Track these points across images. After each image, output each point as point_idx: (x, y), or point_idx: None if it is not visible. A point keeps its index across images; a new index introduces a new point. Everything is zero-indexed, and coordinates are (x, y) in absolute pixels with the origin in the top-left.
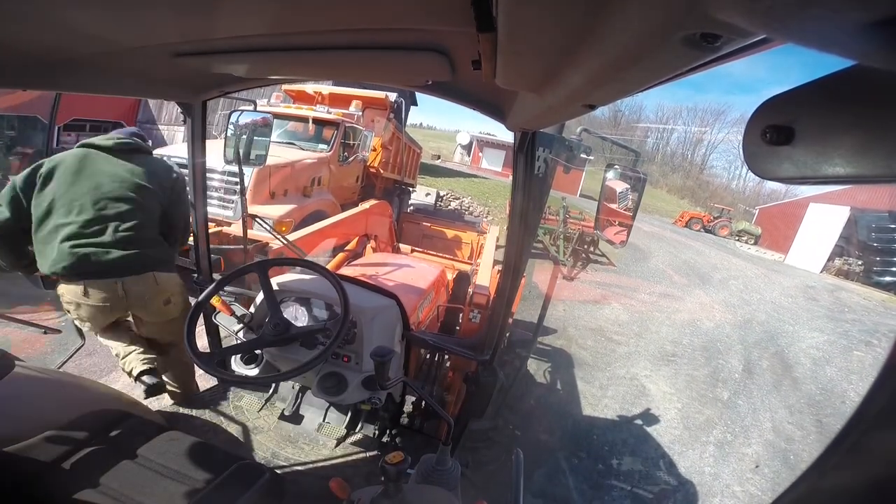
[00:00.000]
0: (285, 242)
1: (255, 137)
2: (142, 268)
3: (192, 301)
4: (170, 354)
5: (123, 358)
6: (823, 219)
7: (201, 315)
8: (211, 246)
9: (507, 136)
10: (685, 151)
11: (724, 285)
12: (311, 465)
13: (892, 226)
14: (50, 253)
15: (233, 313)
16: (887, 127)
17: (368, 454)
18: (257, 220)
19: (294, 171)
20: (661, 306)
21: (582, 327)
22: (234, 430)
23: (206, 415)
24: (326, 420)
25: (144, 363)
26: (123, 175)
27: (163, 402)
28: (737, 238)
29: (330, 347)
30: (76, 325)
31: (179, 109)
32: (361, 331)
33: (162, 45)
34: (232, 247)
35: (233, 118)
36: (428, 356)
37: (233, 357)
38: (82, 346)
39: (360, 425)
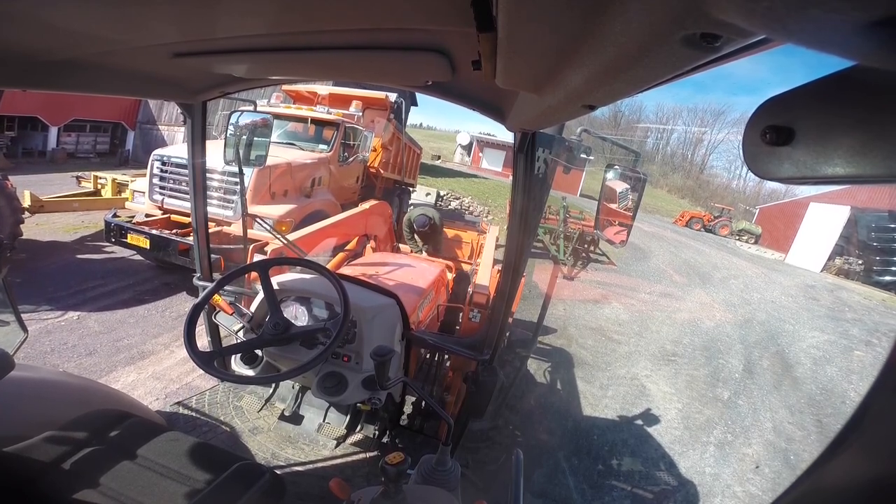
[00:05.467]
0: (285, 242)
1: (255, 138)
2: None
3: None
4: None
5: None
6: (824, 218)
7: (201, 315)
8: (211, 246)
9: (507, 137)
10: (685, 151)
11: (724, 285)
12: (311, 466)
13: (892, 225)
14: None
15: (234, 311)
16: (887, 127)
17: (368, 454)
18: (257, 220)
19: (294, 172)
20: (662, 306)
21: (582, 327)
22: (234, 430)
23: (206, 415)
24: (326, 420)
25: None
26: None
27: (163, 402)
28: (737, 237)
29: (330, 347)
30: (19, 318)
31: (179, 110)
32: (361, 330)
33: (162, 45)
34: (232, 247)
35: (233, 119)
36: (428, 356)
37: (233, 357)
38: (26, 338)
39: (360, 425)
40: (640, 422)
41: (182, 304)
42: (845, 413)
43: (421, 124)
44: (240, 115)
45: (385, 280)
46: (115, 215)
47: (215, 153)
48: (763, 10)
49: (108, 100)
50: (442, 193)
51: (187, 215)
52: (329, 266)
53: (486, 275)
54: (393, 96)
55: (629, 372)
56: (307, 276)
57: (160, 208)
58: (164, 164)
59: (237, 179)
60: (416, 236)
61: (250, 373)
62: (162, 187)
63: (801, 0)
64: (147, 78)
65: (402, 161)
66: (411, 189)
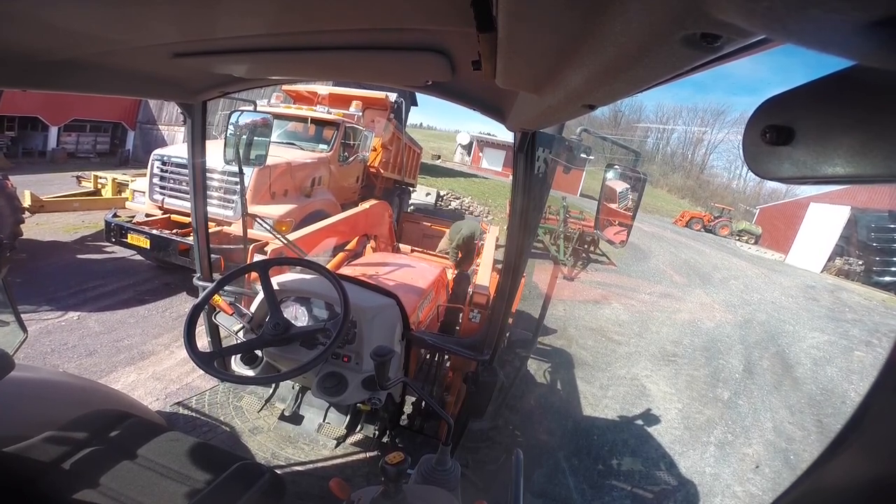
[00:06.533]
0: (285, 242)
1: (255, 138)
2: None
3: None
4: None
5: None
6: (824, 218)
7: (201, 315)
8: (211, 246)
9: (507, 136)
10: (685, 151)
11: (724, 285)
12: (311, 465)
13: (892, 226)
14: None
15: (234, 312)
16: (887, 127)
17: (368, 454)
18: (257, 219)
19: (294, 171)
20: (662, 306)
21: (582, 327)
22: (234, 430)
23: (206, 415)
24: (326, 420)
25: None
26: None
27: (163, 402)
28: (737, 238)
29: (330, 347)
30: (18, 318)
31: (179, 110)
32: (361, 331)
33: (162, 45)
34: (232, 247)
35: (233, 118)
36: (428, 356)
37: (233, 357)
38: (26, 338)
39: (360, 425)
40: (640, 422)
41: (182, 304)
42: (845, 413)
43: (421, 124)
44: (240, 115)
45: (385, 280)
46: (115, 215)
47: (215, 153)
48: (763, 10)
49: (107, 100)
50: (442, 193)
51: (187, 215)
52: (329, 266)
53: (486, 275)
54: (393, 96)
55: (629, 372)
56: (307, 277)
57: (160, 208)
58: (164, 163)
59: (237, 179)
60: (458, 249)
61: (250, 373)
62: (162, 187)
63: (801, 0)
64: (147, 78)
65: (402, 161)
66: (411, 189)
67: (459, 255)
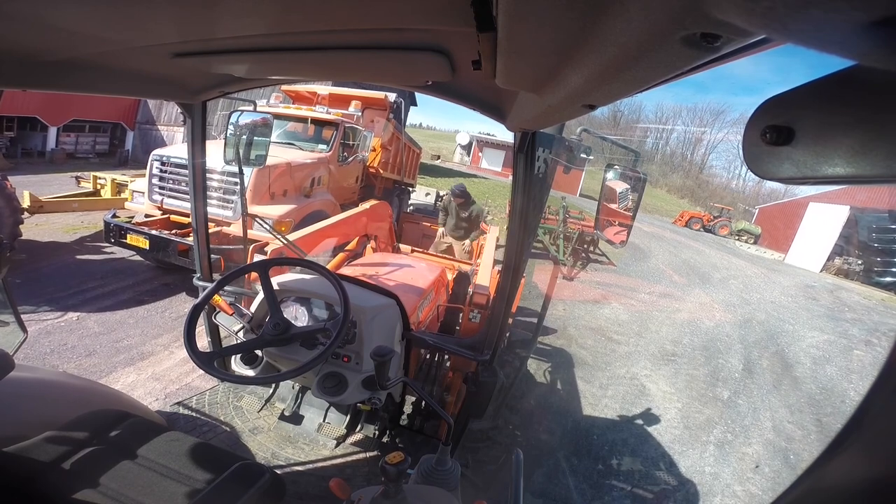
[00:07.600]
0: (285, 242)
1: (255, 138)
2: None
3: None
4: None
5: None
6: (823, 218)
7: (202, 315)
8: (211, 246)
9: (506, 136)
10: (685, 151)
11: (723, 285)
12: (311, 465)
13: (892, 226)
14: None
15: (234, 312)
16: (887, 127)
17: (368, 454)
18: (257, 220)
19: (294, 172)
20: (661, 306)
21: (582, 327)
22: (234, 430)
23: (206, 415)
24: (326, 420)
25: None
26: None
27: (162, 402)
28: (737, 237)
29: (330, 347)
30: (18, 319)
31: (179, 109)
32: (361, 331)
33: (162, 46)
34: (232, 247)
35: (232, 119)
36: (428, 356)
37: (233, 357)
38: (26, 338)
39: (360, 425)
40: (639, 421)
41: (182, 304)
42: (845, 412)
43: (421, 124)
44: (240, 115)
45: (385, 280)
46: (114, 216)
47: (215, 153)
48: (763, 10)
49: (107, 100)
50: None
51: (187, 215)
52: (329, 266)
53: (486, 275)
54: (392, 96)
55: (629, 372)
56: (307, 277)
57: (160, 208)
58: (163, 164)
59: (237, 179)
60: (447, 217)
61: (250, 373)
62: (161, 187)
63: (801, 0)
64: (147, 78)
65: (401, 161)
66: (411, 189)
67: (454, 223)
